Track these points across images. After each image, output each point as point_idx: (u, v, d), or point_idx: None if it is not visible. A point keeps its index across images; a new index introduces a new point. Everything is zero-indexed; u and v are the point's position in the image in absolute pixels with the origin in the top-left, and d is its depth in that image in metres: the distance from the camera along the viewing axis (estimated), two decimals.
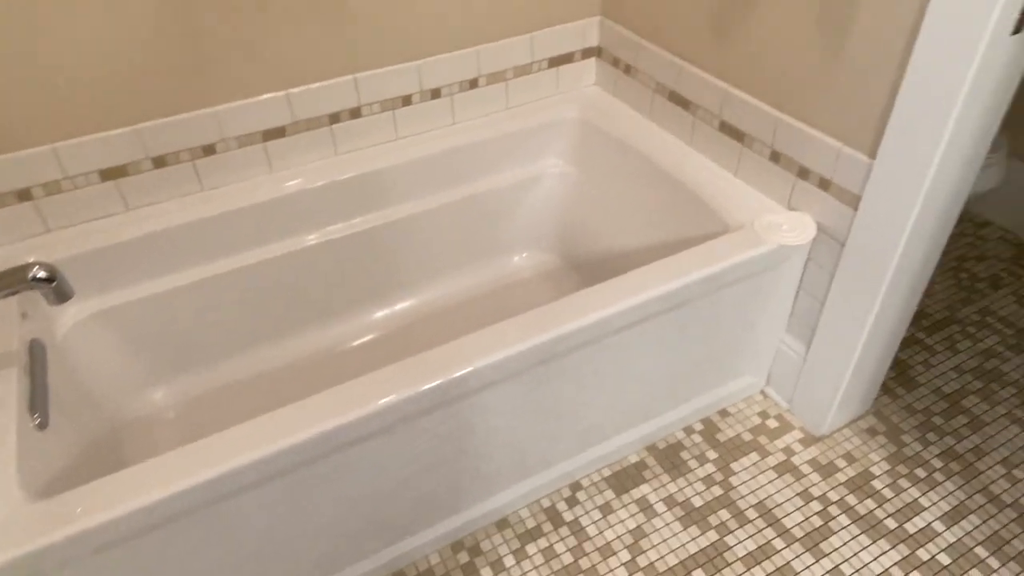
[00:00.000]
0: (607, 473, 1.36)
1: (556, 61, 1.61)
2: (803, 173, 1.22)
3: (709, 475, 1.35)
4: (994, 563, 1.20)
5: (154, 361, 1.42)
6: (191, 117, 1.29)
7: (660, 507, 1.30)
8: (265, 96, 1.34)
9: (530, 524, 1.28)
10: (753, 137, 1.30)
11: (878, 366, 1.35)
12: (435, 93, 1.50)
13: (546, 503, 1.31)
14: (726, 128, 1.35)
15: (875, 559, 1.21)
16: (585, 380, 1.18)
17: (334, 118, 1.42)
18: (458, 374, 1.00)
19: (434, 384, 0.99)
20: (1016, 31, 0.93)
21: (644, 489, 1.33)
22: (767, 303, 1.32)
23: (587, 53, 1.64)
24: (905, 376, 1.53)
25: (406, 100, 1.48)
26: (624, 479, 1.35)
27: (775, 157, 1.27)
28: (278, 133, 1.38)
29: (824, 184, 1.19)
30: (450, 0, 1.42)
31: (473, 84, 1.54)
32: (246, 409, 1.46)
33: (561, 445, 1.27)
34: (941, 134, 0.98)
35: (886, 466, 1.36)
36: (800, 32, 1.15)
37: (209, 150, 1.34)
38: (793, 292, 1.34)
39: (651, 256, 1.51)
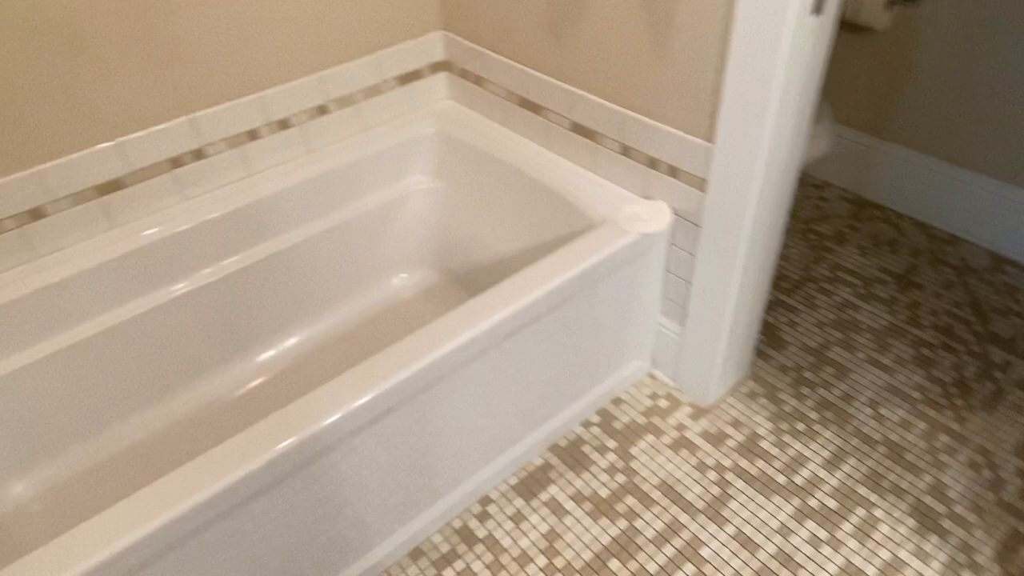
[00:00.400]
0: (514, 481, 1.36)
1: (405, 79, 1.60)
2: (653, 163, 1.28)
3: (611, 464, 1.38)
4: (874, 498, 1.30)
5: (5, 452, 1.28)
6: (8, 181, 1.18)
7: (570, 505, 1.32)
8: (94, 148, 1.24)
9: (444, 549, 1.26)
10: (603, 134, 1.34)
11: (749, 332, 1.43)
12: (283, 124, 1.45)
13: (458, 523, 1.29)
14: (578, 128, 1.39)
15: (772, 515, 1.29)
16: (476, 394, 1.17)
17: (176, 162, 1.34)
18: (329, 420, 0.97)
19: (303, 437, 0.95)
20: (816, 11, 1.01)
21: (552, 490, 1.34)
22: (639, 290, 1.37)
23: (435, 68, 1.64)
24: (774, 337, 1.64)
25: (253, 134, 1.42)
26: (532, 484, 1.35)
27: (625, 151, 1.32)
28: (114, 186, 1.29)
29: (673, 172, 1.25)
30: (285, 28, 1.37)
31: (323, 110, 1.50)
32: (125, 486, 1.34)
33: (464, 463, 1.26)
34: (766, 112, 1.05)
35: (769, 425, 1.44)
36: (628, 30, 1.20)
37: (38, 213, 1.23)
38: (661, 276, 1.39)
39: (528, 259, 1.53)
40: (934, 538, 1.23)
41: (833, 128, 1.63)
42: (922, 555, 1.21)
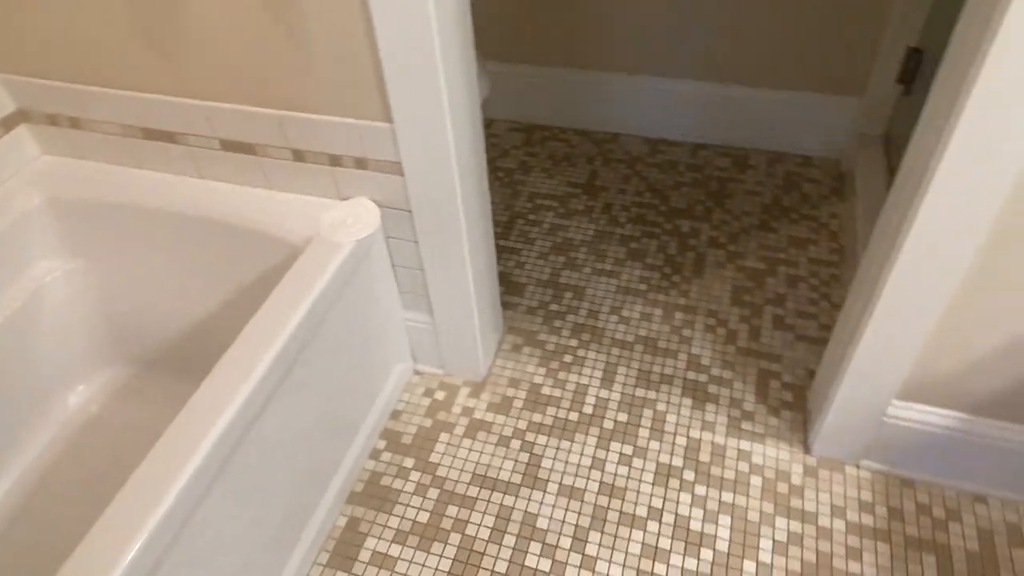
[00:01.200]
0: (325, 557, 1.17)
1: None
2: (336, 161, 1.12)
3: (418, 483, 1.27)
4: (652, 395, 1.39)
5: None
6: None
7: (395, 549, 1.18)
8: None
9: None
10: (265, 145, 1.14)
11: (492, 290, 1.39)
12: None
13: None
14: (230, 146, 1.17)
15: (581, 454, 1.30)
16: (239, 496, 0.95)
17: None
18: None
19: None
20: None
21: (370, 544, 1.19)
22: (374, 297, 1.23)
23: (8, 122, 1.25)
24: (510, 284, 1.64)
25: None
26: (345, 549, 1.18)
27: (299, 156, 1.14)
28: None
29: (362, 164, 1.11)
30: None
31: None
32: None
33: (257, 570, 1.04)
34: (434, 71, 0.96)
35: (543, 370, 1.45)
36: (247, 22, 1.00)
37: None
38: (391, 274, 1.27)
39: (236, 310, 1.28)
40: (710, 406, 1.36)
41: (485, 67, 1.62)
42: (708, 426, 1.33)
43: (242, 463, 0.93)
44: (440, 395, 1.41)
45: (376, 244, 1.19)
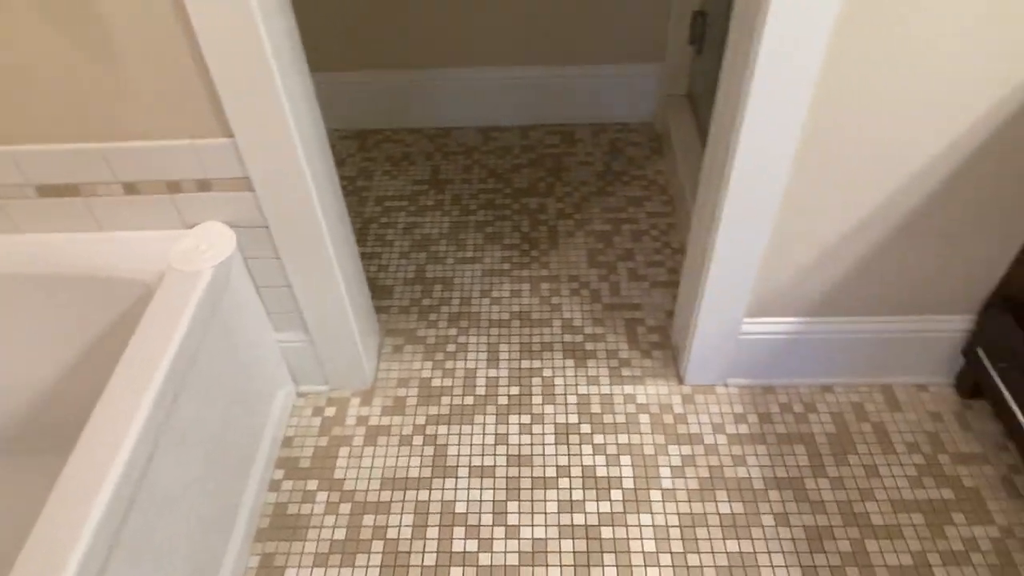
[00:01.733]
0: None
1: None
2: (175, 187, 1.06)
3: (327, 502, 1.24)
4: (537, 364, 1.45)
5: None
6: None
7: (317, 573, 1.15)
8: None
9: None
10: (90, 183, 1.05)
11: (364, 296, 1.38)
12: None
13: None
14: (49, 191, 1.06)
15: (483, 434, 1.33)
16: (140, 559, 0.88)
17: None
18: None
19: None
20: None
21: (290, 575, 1.14)
22: (241, 324, 1.18)
23: None
24: (378, 288, 1.63)
25: None
26: None
27: (132, 189, 1.06)
28: None
29: (205, 185, 1.06)
30: None
31: None
32: None
33: None
34: (270, 76, 0.94)
35: (429, 364, 1.46)
36: (46, 53, 0.92)
37: None
38: (256, 296, 1.22)
39: (92, 370, 1.17)
40: (591, 362, 1.45)
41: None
42: (592, 380, 1.41)
43: (135, 530, 0.86)
44: (330, 411, 1.38)
45: (236, 268, 1.14)
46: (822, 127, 0.99)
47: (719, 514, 1.20)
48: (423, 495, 1.24)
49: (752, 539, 1.16)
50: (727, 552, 1.15)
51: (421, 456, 1.30)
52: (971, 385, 1.31)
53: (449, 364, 1.46)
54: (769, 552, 1.15)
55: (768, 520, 1.19)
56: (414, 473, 1.27)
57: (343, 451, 1.31)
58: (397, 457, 1.30)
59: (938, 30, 0.89)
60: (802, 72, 0.92)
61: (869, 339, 1.30)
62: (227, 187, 1.06)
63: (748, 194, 1.07)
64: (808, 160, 1.03)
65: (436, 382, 1.42)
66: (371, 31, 1.91)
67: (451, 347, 1.49)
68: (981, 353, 1.22)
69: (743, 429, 1.32)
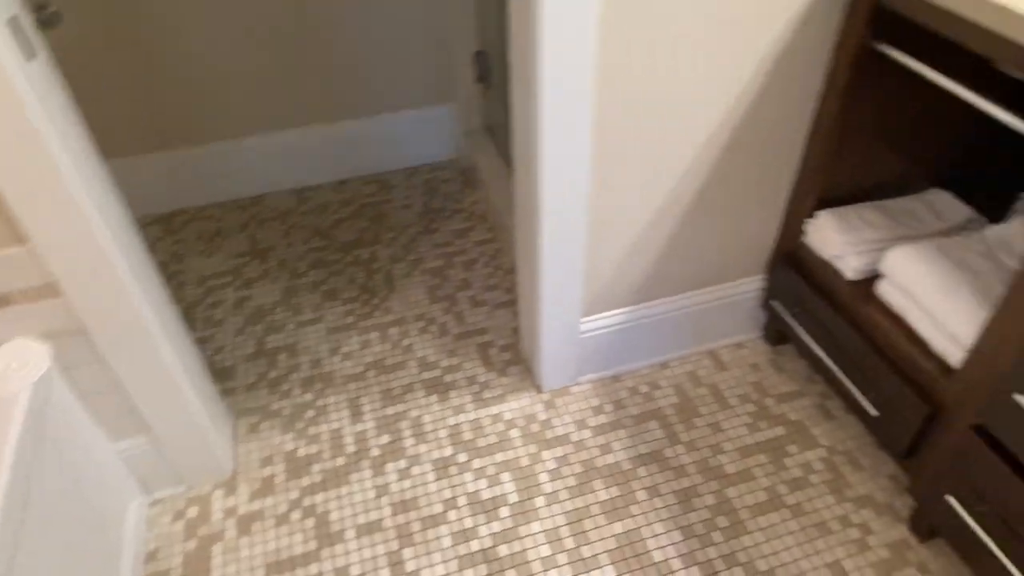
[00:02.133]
0: None
1: None
2: None
3: None
4: (401, 407, 1.45)
5: None
6: None
7: None
8: None
9: None
10: None
11: (206, 383, 1.31)
12: None
13: None
14: None
15: (363, 490, 1.31)
16: None
17: None
18: None
19: None
20: (29, 58, 0.86)
21: None
22: (72, 442, 1.08)
23: None
24: (219, 371, 1.55)
25: None
26: None
27: None
28: None
29: (5, 300, 0.96)
30: None
31: None
32: None
33: None
34: (57, 166, 0.88)
35: (289, 435, 1.41)
36: None
37: None
38: (82, 408, 1.12)
39: None
40: (453, 393, 1.48)
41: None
42: (459, 410, 1.45)
43: None
44: (192, 511, 1.29)
45: (55, 383, 1.04)
46: (607, 136, 1.12)
47: (599, 502, 1.28)
48: (313, 569, 1.20)
49: (633, 516, 1.26)
50: (615, 535, 1.23)
51: (303, 531, 1.25)
52: (776, 334, 1.53)
53: (312, 430, 1.42)
54: (650, 524, 1.25)
55: (642, 495, 1.29)
56: (299, 550, 1.23)
57: (216, 549, 1.23)
58: (277, 539, 1.24)
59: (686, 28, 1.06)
60: (580, 86, 1.04)
61: (688, 313, 1.46)
62: (31, 296, 0.98)
63: (558, 209, 1.17)
64: (601, 172, 1.16)
65: (301, 451, 1.38)
66: (159, 112, 1.82)
67: (310, 412, 1.45)
68: (777, 305, 1.43)
69: (602, 419, 1.42)
